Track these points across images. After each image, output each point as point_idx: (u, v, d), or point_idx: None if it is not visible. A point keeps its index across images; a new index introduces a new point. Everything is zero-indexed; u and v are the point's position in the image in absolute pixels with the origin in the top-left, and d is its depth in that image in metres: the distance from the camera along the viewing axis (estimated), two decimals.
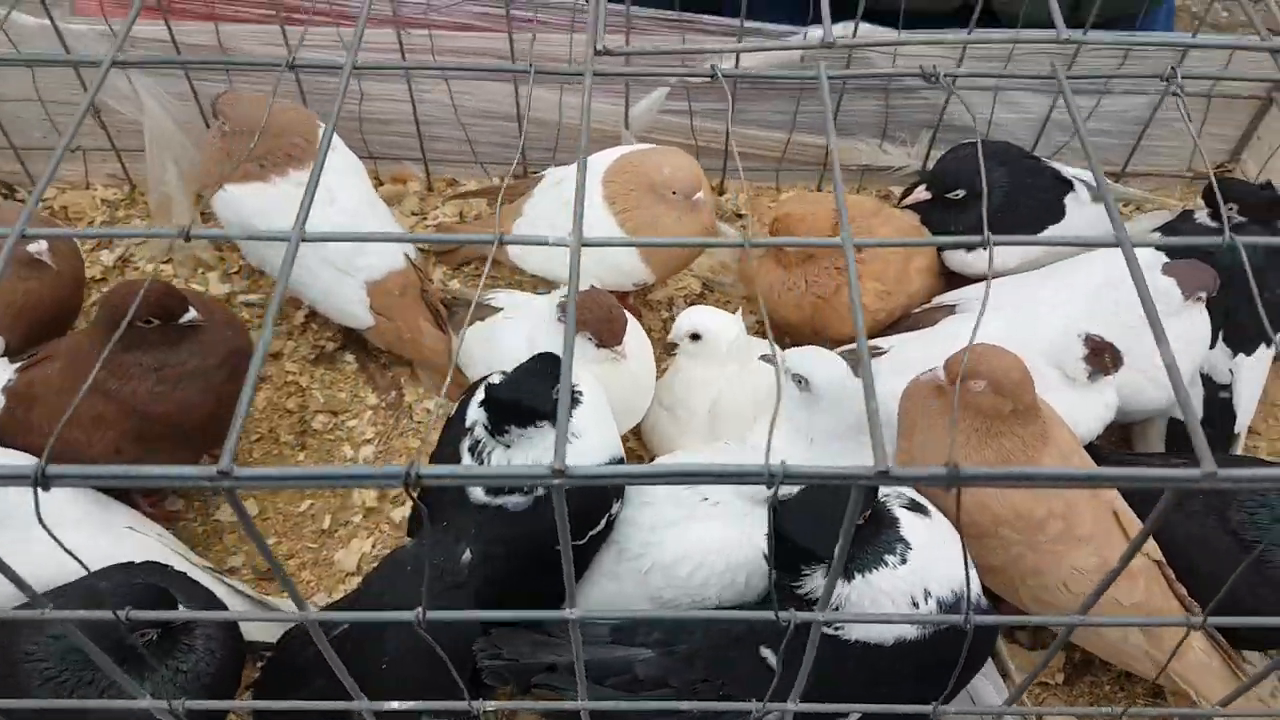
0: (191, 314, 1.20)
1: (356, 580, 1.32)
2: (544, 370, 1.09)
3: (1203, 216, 1.49)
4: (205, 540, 1.37)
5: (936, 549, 1.04)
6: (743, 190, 1.76)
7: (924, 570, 1.02)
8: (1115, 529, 1.17)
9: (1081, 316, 1.32)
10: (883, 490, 1.08)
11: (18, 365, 1.27)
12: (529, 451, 1.10)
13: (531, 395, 1.08)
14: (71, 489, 1.16)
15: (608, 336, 1.24)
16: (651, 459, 1.44)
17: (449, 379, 1.37)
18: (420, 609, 0.62)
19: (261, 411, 1.49)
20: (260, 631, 1.20)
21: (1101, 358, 1.27)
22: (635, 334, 1.34)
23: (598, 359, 1.25)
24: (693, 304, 1.64)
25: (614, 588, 1.19)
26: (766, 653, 1.04)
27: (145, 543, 1.21)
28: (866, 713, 0.98)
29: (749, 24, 1.54)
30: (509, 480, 0.47)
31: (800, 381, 1.20)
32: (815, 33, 1.54)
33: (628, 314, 1.30)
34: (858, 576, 1.00)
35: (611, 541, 1.18)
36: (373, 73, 1.59)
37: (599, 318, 1.23)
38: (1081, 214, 1.56)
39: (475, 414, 1.13)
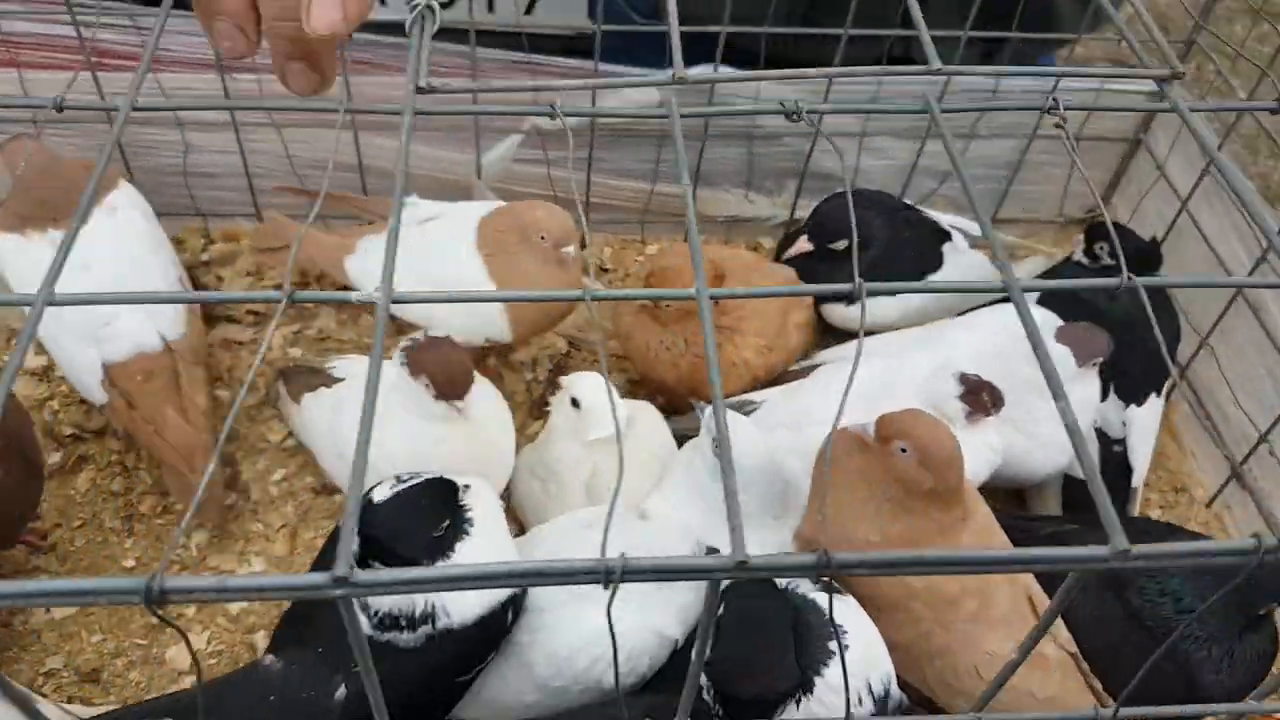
0: None
1: (190, 680, 1.36)
2: (430, 502, 1.10)
3: (1079, 255, 1.66)
4: (22, 640, 1.39)
5: (867, 632, 1.10)
6: (609, 244, 1.88)
7: (865, 659, 1.07)
8: (1029, 614, 1.23)
9: (963, 364, 1.42)
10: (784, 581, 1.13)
11: None
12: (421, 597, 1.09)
13: (406, 536, 1.08)
14: None
15: (447, 387, 1.26)
16: (522, 528, 1.52)
17: (200, 489, 1.42)
18: None
19: (84, 495, 1.51)
20: None
21: (979, 397, 1.36)
22: (489, 396, 1.41)
23: (438, 415, 1.29)
24: (558, 363, 1.74)
25: (498, 686, 1.21)
26: None
27: None
28: None
29: (607, 67, 1.65)
30: (287, 594, 0.46)
31: (716, 447, 1.25)
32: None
33: (482, 376, 1.36)
34: (816, 680, 1.02)
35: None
36: (193, 121, 1.65)
37: (439, 363, 1.25)
38: (959, 262, 1.72)
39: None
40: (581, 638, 1.16)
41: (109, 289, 1.40)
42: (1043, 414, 1.46)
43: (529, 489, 1.46)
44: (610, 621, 0.58)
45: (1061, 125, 0.73)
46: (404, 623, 1.09)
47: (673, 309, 1.49)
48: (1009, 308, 1.65)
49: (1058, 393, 0.52)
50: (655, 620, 1.17)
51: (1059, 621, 1.27)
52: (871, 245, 1.65)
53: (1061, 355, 1.42)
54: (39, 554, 1.46)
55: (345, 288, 1.61)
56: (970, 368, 1.40)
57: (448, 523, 1.13)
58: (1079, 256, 1.66)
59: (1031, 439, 1.46)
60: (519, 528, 1.52)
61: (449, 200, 1.61)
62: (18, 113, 1.57)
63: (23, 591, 0.45)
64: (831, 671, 1.03)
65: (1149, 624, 1.26)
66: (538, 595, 1.20)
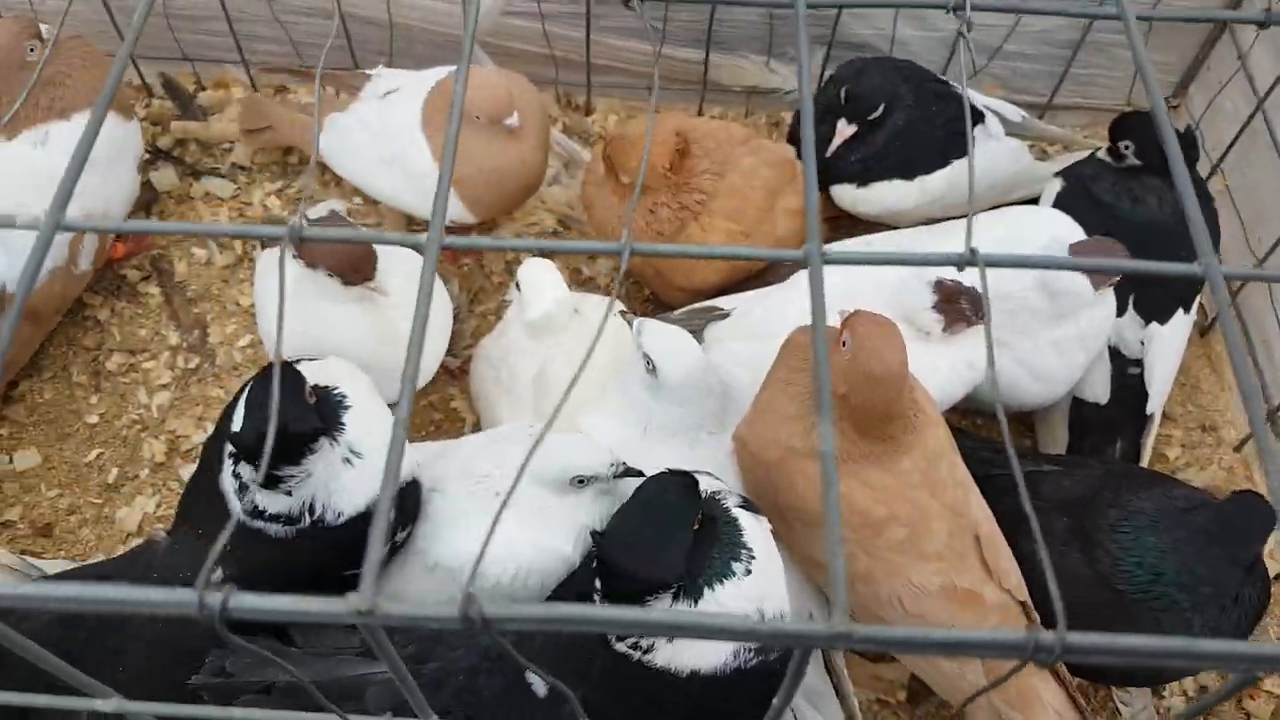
0: None
1: (137, 541, 1.37)
2: (284, 387, 1.03)
3: (1103, 153, 1.46)
4: None
5: (774, 559, 1.03)
6: (614, 111, 1.73)
7: (765, 583, 1.00)
8: (973, 554, 1.14)
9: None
10: (711, 485, 1.06)
11: None
12: (313, 485, 1.06)
13: (292, 420, 1.02)
14: None
15: (350, 271, 1.19)
16: (475, 422, 1.46)
17: None
18: None
19: (55, 348, 1.50)
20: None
21: (956, 305, 1.22)
22: (413, 271, 1.32)
23: (351, 298, 1.21)
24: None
25: (398, 583, 1.19)
26: (532, 679, 1.02)
27: None
28: None
29: None
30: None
31: (648, 363, 1.17)
32: None
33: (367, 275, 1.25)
34: (706, 591, 0.97)
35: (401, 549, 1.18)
36: None
37: (334, 249, 1.17)
38: (989, 149, 1.53)
39: (235, 424, 1.07)
40: (472, 548, 1.12)
41: None
42: (1044, 342, 1.31)
43: (483, 377, 1.38)
44: None
45: None
46: (269, 514, 1.06)
47: (630, 180, 1.35)
48: (1024, 211, 1.47)
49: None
50: (554, 540, 1.12)
51: (1007, 567, 1.16)
52: (895, 113, 1.46)
53: (1075, 275, 1.25)
54: (8, 403, 1.47)
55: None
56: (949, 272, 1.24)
57: (310, 387, 1.07)
58: (1103, 154, 1.46)
59: (1028, 370, 1.31)
60: (474, 419, 1.46)
61: (438, 59, 1.50)
62: None
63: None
64: (726, 591, 0.97)
65: (1120, 588, 1.15)
66: (442, 506, 1.16)
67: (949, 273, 1.24)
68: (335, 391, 1.09)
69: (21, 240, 1.35)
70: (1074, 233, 1.31)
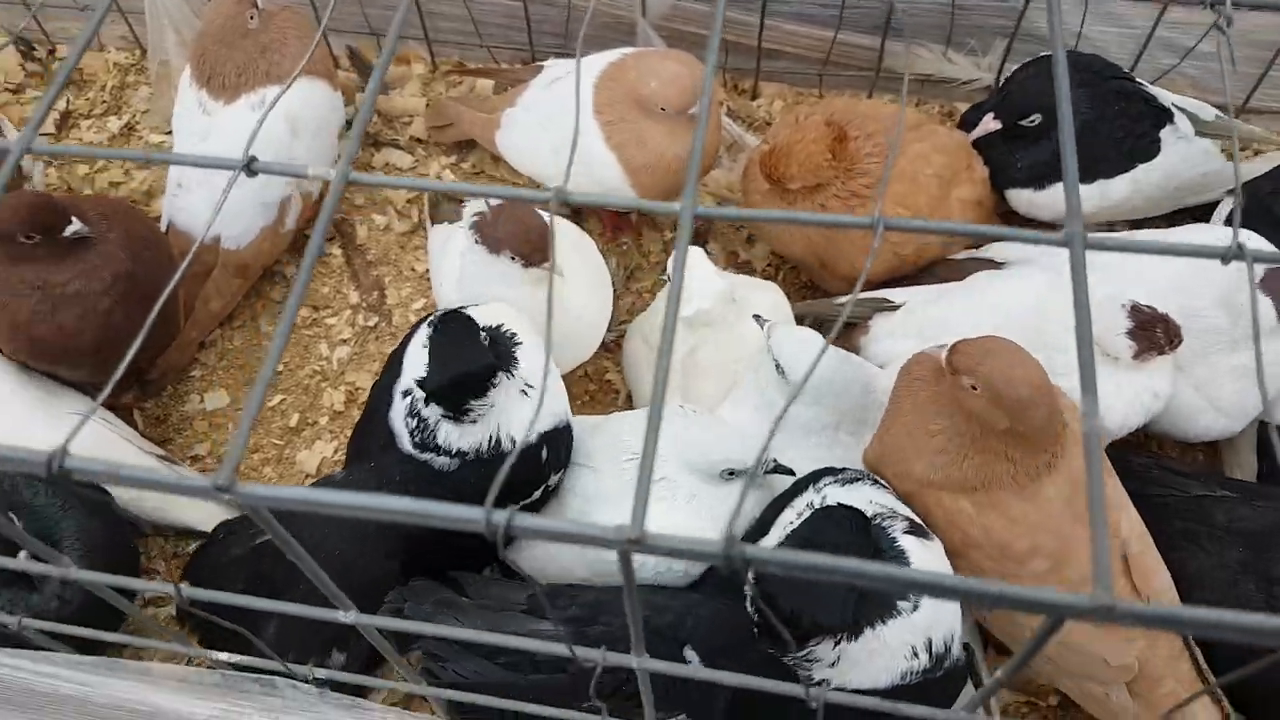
0: (75, 226, 1.25)
1: (313, 480, 1.47)
2: (462, 332, 1.11)
3: None
4: (177, 427, 1.53)
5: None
6: (781, 96, 1.73)
7: (934, 612, 1.00)
8: (1122, 578, 1.11)
9: (1140, 296, 1.22)
10: (875, 504, 1.07)
11: None
12: (492, 420, 1.13)
13: (473, 362, 1.09)
14: (14, 374, 1.34)
15: (531, 252, 1.23)
16: (629, 394, 1.50)
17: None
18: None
19: (246, 299, 1.61)
20: (200, 519, 1.36)
21: (1152, 333, 1.19)
22: (583, 249, 1.36)
23: (529, 280, 1.26)
24: (710, 226, 1.65)
25: (543, 553, 1.23)
26: (691, 655, 1.05)
27: (91, 428, 1.35)
28: None
29: None
30: (583, 541, 0.48)
31: (778, 366, 1.18)
32: None
33: (575, 227, 1.31)
34: (867, 630, 0.97)
35: (553, 502, 1.24)
36: None
37: (516, 234, 1.22)
38: (1178, 150, 1.47)
39: (413, 375, 1.14)
40: None
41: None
42: (1223, 370, 1.25)
43: (636, 352, 1.42)
44: None
45: None
46: (442, 447, 1.14)
47: (798, 181, 1.34)
48: (1212, 229, 1.41)
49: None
50: (703, 525, 1.14)
51: (1160, 587, 1.13)
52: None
53: (1264, 307, 1.20)
54: (201, 348, 1.58)
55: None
56: (1144, 299, 1.21)
57: (484, 331, 1.13)
58: None
59: (1206, 398, 1.26)
60: (626, 391, 1.50)
61: (612, 42, 1.54)
62: None
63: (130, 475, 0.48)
64: (888, 629, 0.97)
65: None
66: (591, 483, 1.21)
67: (1144, 296, 1.21)
68: (505, 329, 1.16)
69: (234, 200, 1.46)
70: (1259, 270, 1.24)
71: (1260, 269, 1.20)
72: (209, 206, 1.48)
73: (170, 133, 1.75)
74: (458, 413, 1.13)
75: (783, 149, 1.32)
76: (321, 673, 0.85)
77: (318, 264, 1.64)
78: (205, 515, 1.36)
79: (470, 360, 1.10)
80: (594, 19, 1.64)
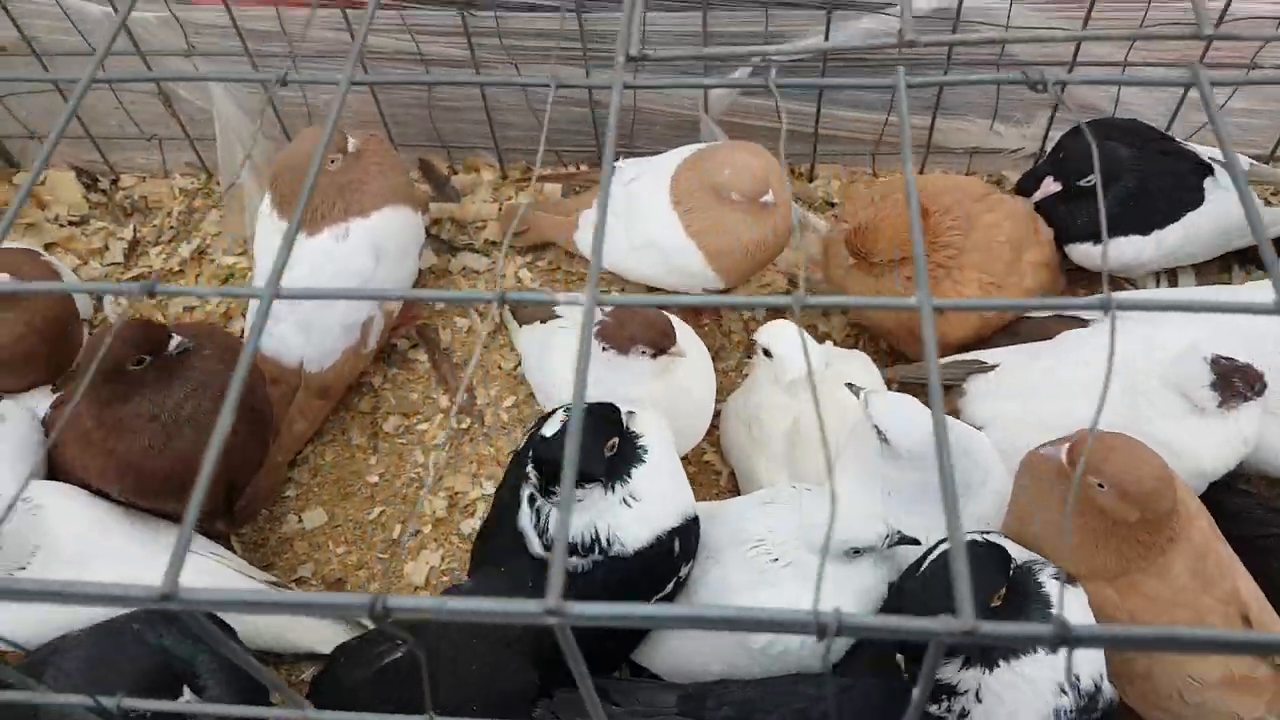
0: (176, 340, 1.29)
1: (425, 594, 1.46)
2: (596, 424, 1.14)
3: None
4: (276, 550, 1.54)
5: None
6: (836, 177, 1.82)
7: (1078, 654, 1.03)
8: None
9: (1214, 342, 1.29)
10: (1021, 552, 1.10)
11: (55, 397, 1.44)
12: (582, 514, 1.15)
13: (583, 458, 1.11)
14: (121, 517, 1.34)
15: (661, 340, 1.28)
16: (730, 473, 1.54)
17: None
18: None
19: (335, 413, 1.64)
20: (319, 643, 1.35)
21: (1233, 383, 1.25)
22: (689, 341, 1.41)
23: (656, 372, 1.31)
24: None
25: (688, 645, 1.25)
26: None
27: (198, 562, 1.34)
28: None
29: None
30: (494, 617, 0.48)
31: (880, 433, 1.22)
32: (914, 5, 1.58)
33: (676, 319, 1.36)
34: (1001, 664, 1.00)
35: (683, 597, 1.25)
36: (439, 60, 1.69)
37: (645, 328, 1.28)
38: (1223, 200, 1.56)
39: (532, 483, 1.18)
40: None
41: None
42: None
43: (735, 432, 1.46)
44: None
45: None
46: (577, 549, 1.15)
47: (885, 256, 1.41)
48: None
49: None
50: (841, 602, 1.16)
51: (1238, 583, 1.17)
52: (1122, 179, 1.51)
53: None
54: (293, 466, 1.60)
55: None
56: (1222, 346, 1.27)
57: (615, 441, 1.16)
58: None
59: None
60: (728, 470, 1.54)
61: (676, 140, 1.61)
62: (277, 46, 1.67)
63: (243, 599, 0.49)
64: (1026, 664, 1.00)
65: None
66: (719, 576, 1.23)
67: (1222, 344, 1.27)
68: (640, 440, 1.19)
69: (317, 324, 1.51)
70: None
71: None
72: (295, 331, 1.52)
73: (243, 254, 1.80)
74: (547, 494, 1.16)
75: (870, 226, 1.39)
76: None
77: (404, 371, 1.68)
78: (322, 638, 1.36)
79: (584, 453, 1.12)
80: (657, 119, 1.72)
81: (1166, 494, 1.09)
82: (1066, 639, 0.43)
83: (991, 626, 0.44)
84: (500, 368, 1.67)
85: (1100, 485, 1.10)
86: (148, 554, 1.29)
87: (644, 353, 1.29)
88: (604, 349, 1.29)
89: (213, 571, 1.33)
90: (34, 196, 1.88)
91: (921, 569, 1.11)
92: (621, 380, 1.30)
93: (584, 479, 1.14)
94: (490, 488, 1.55)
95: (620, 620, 0.48)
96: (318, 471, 1.60)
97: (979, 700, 1.02)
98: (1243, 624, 1.15)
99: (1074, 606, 1.07)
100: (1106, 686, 1.06)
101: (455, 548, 1.51)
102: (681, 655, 1.26)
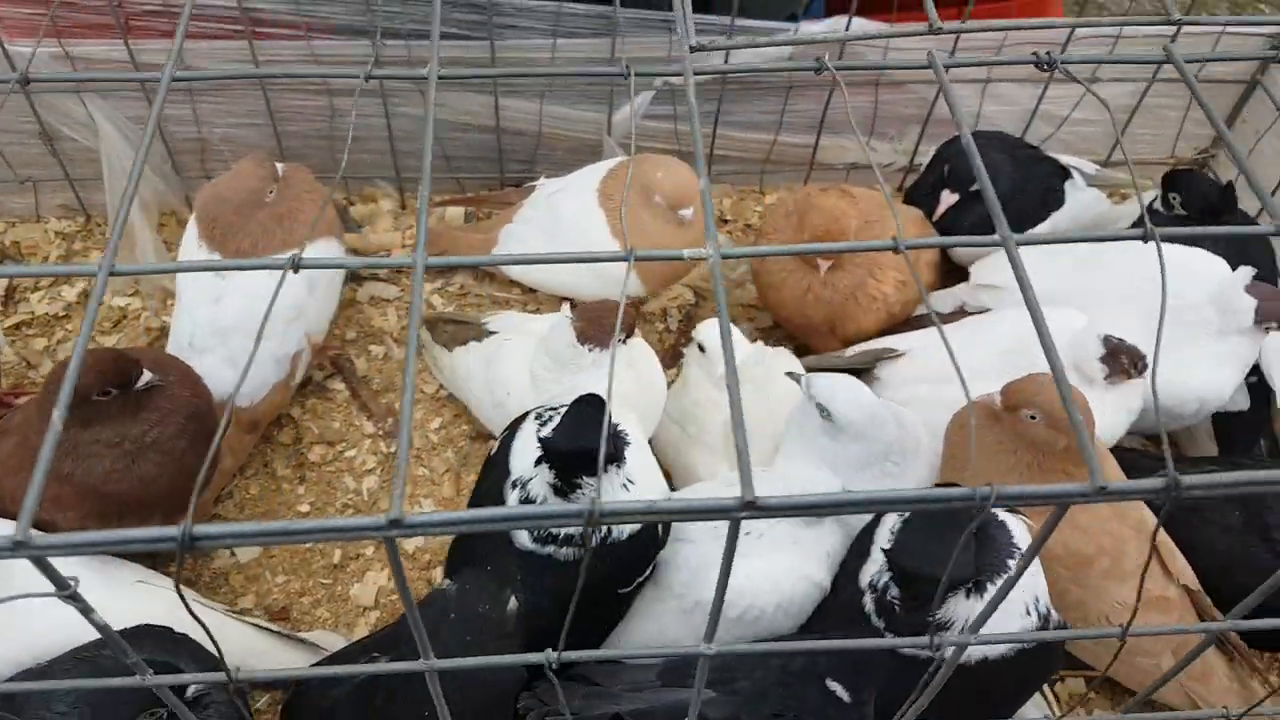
0: (147, 377, 1.28)
1: (376, 615, 1.46)
2: (594, 413, 1.18)
3: (1158, 204, 1.69)
4: (211, 586, 1.50)
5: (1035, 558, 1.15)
6: (728, 195, 1.95)
7: (1033, 581, 1.13)
8: (1155, 561, 1.30)
9: (1117, 316, 1.44)
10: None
11: None
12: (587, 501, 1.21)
13: (594, 445, 1.14)
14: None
15: (631, 321, 1.39)
16: (666, 475, 1.61)
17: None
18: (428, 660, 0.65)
19: (255, 446, 1.61)
20: (288, 664, 1.33)
21: (1119, 360, 1.40)
22: (644, 349, 1.49)
23: (627, 362, 1.39)
24: (687, 314, 1.82)
25: (652, 627, 1.31)
26: (834, 685, 1.13)
27: (157, 594, 1.31)
28: None
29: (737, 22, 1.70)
30: (537, 523, 0.54)
31: (823, 411, 1.32)
32: (809, 28, 1.75)
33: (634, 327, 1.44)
34: (989, 586, 1.08)
35: (650, 583, 1.30)
36: (340, 88, 1.73)
37: (613, 315, 1.37)
38: (1078, 199, 1.77)
39: (524, 466, 1.22)
40: (734, 589, 1.23)
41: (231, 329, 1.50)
42: (1207, 353, 1.49)
43: (669, 434, 1.53)
44: None
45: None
46: (561, 538, 1.19)
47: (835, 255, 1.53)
48: (1191, 252, 1.68)
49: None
50: (809, 568, 1.25)
51: (1181, 561, 1.34)
52: (998, 183, 1.70)
53: (1244, 307, 1.45)
54: (218, 502, 1.57)
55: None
56: (1127, 315, 1.42)
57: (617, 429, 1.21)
58: (1157, 204, 1.70)
59: (1188, 381, 1.48)
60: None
61: (578, 159, 1.70)
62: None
63: (256, 531, 0.54)
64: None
65: None
66: (693, 554, 1.29)
67: (1119, 332, 1.43)
68: (620, 428, 1.24)
69: (245, 359, 1.50)
70: (1225, 269, 1.51)
71: (1247, 275, 1.48)
72: (225, 364, 1.49)
73: (135, 294, 1.76)
74: (569, 485, 1.18)
75: (833, 224, 1.52)
76: None
77: (323, 401, 1.67)
78: (287, 660, 1.34)
79: (594, 438, 1.15)
80: (560, 143, 1.80)
81: (1089, 420, 1.24)
82: (1179, 486, 0.54)
83: (1116, 486, 0.54)
84: (423, 391, 1.69)
85: (1032, 417, 1.24)
86: (102, 579, 1.28)
87: (621, 339, 1.36)
88: (590, 349, 1.36)
89: (174, 602, 1.29)
90: None
91: (884, 526, 1.21)
92: (596, 377, 1.37)
93: (608, 461, 1.18)
94: (428, 505, 1.56)
95: (653, 515, 0.55)
96: (244, 506, 1.57)
97: (961, 631, 1.10)
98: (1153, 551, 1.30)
99: (1021, 530, 1.17)
100: (1053, 612, 1.18)
101: (403, 567, 1.51)
102: (654, 636, 1.31)
